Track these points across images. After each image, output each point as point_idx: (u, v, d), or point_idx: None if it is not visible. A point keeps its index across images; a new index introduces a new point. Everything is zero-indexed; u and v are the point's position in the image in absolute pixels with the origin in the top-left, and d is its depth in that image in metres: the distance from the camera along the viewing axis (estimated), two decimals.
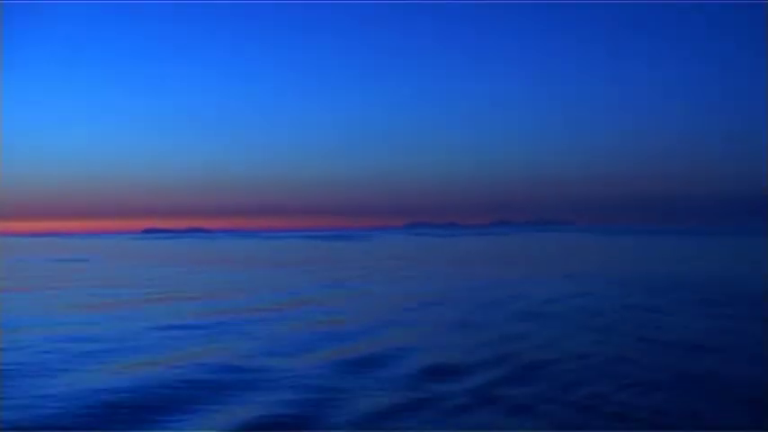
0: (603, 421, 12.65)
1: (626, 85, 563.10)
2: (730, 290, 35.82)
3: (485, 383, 15.52)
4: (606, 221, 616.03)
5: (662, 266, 56.66)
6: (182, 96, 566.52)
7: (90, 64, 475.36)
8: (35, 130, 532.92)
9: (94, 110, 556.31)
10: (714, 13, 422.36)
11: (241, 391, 15.14)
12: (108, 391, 15.14)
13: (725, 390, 14.78)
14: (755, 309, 28.01)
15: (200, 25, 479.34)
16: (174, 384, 15.83)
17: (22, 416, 13.40)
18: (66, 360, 18.93)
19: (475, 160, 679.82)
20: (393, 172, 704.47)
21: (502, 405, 13.73)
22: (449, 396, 14.42)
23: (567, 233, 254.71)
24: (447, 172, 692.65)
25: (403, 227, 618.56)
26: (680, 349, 19.51)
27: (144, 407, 13.97)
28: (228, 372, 17.05)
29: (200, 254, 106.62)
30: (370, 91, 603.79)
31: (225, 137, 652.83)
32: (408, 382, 15.74)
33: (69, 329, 24.48)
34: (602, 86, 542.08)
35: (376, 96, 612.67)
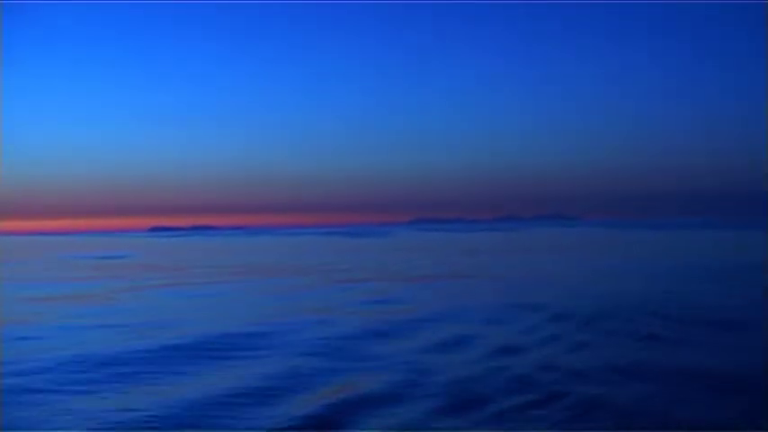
0: None
1: (628, 83, 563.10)
2: None
3: None
4: (610, 216, 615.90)
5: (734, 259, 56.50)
6: (186, 94, 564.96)
7: (93, 61, 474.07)
8: (37, 127, 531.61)
9: (97, 108, 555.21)
10: (714, 13, 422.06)
11: None
12: None
13: None
14: None
15: (206, 22, 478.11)
16: None
17: None
18: None
19: (479, 155, 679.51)
20: (397, 168, 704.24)
21: None
22: None
23: (584, 228, 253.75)
24: (451, 167, 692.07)
25: (408, 223, 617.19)
26: None
27: None
28: None
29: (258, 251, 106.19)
30: (375, 87, 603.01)
31: (226, 134, 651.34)
32: None
33: None
34: (605, 84, 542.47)
35: (380, 92, 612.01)
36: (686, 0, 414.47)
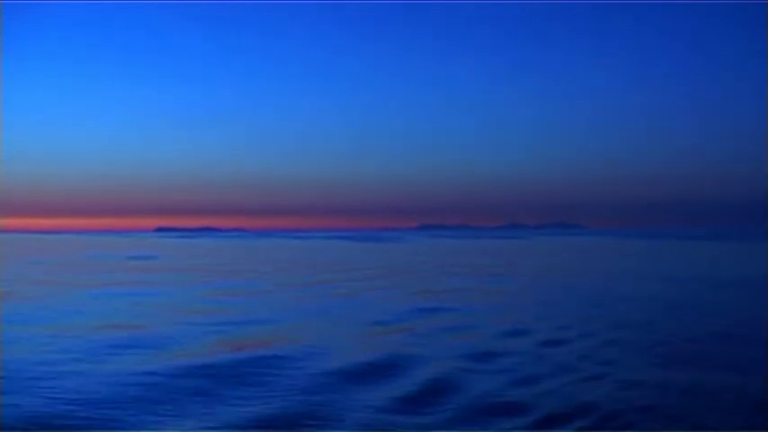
0: None
1: (630, 87, 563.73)
2: None
3: None
4: (612, 224, 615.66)
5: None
6: (193, 95, 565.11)
7: (100, 62, 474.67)
8: (37, 127, 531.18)
9: (103, 108, 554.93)
10: (714, 13, 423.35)
11: None
12: None
13: None
14: None
15: (214, 22, 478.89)
16: None
17: None
18: None
19: (486, 162, 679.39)
20: (405, 173, 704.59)
21: None
22: None
23: (599, 237, 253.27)
24: (458, 174, 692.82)
25: (414, 229, 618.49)
26: None
27: None
28: None
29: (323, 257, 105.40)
30: (384, 92, 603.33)
31: (233, 136, 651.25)
32: None
33: None
34: (609, 91, 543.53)
35: (389, 98, 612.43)
36: (686, 0, 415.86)
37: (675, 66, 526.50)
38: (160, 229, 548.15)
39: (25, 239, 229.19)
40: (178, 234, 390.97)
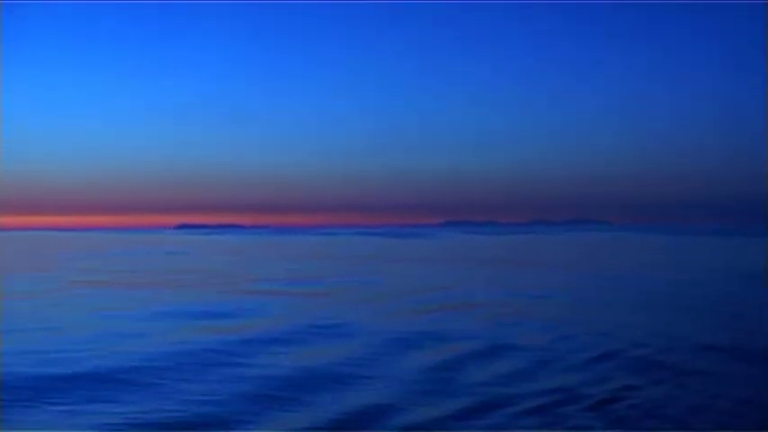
0: None
1: (629, 86, 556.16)
2: None
3: None
4: (640, 221, 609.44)
5: None
6: (209, 90, 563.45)
7: (106, 59, 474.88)
8: (39, 125, 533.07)
9: (115, 105, 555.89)
10: (714, 13, 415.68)
11: None
12: None
13: None
14: None
15: (218, 17, 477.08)
16: None
17: None
18: None
19: (512, 159, 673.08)
20: (431, 170, 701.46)
21: None
22: None
23: (623, 233, 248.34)
24: (484, 171, 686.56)
25: (437, 225, 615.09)
26: None
27: None
28: None
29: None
30: (409, 90, 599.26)
31: (254, 134, 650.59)
32: None
33: None
34: (605, 88, 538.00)
35: (414, 95, 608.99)
36: (686, 0, 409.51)
37: (674, 66, 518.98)
38: (182, 226, 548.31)
39: (54, 238, 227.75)
40: (203, 231, 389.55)
